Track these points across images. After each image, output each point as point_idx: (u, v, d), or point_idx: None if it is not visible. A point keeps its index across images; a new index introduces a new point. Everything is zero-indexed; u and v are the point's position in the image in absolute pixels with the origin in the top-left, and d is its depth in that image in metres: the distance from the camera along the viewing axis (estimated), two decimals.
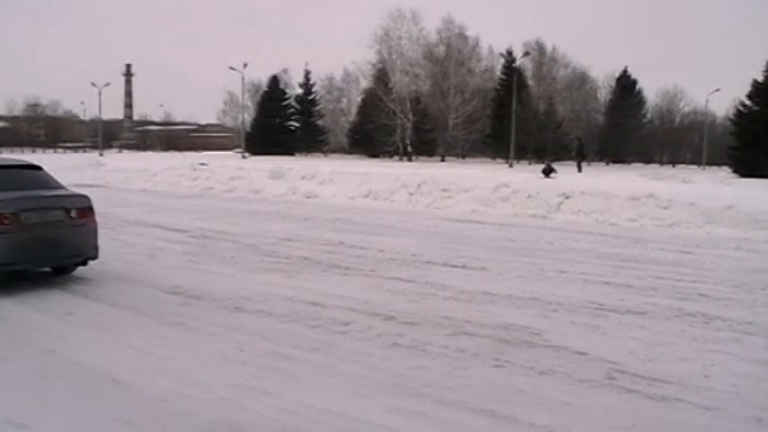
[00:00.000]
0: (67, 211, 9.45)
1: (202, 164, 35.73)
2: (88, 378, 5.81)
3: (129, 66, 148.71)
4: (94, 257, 9.88)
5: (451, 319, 7.57)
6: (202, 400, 5.30)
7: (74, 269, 10.11)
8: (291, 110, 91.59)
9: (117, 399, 5.34)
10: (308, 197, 23.39)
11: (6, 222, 8.66)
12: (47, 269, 9.96)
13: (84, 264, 9.91)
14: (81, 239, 9.63)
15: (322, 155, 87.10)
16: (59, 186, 10.13)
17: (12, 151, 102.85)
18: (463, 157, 79.82)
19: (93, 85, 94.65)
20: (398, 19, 74.56)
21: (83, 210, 9.66)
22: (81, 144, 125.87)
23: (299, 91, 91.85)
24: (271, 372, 5.93)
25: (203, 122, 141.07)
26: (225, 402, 5.25)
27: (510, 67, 71.91)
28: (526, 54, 71.42)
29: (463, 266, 10.76)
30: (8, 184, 9.24)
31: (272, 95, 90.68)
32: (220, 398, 5.33)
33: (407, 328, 7.28)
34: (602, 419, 5.01)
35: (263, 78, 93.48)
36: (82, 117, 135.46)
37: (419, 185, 21.90)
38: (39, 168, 10.35)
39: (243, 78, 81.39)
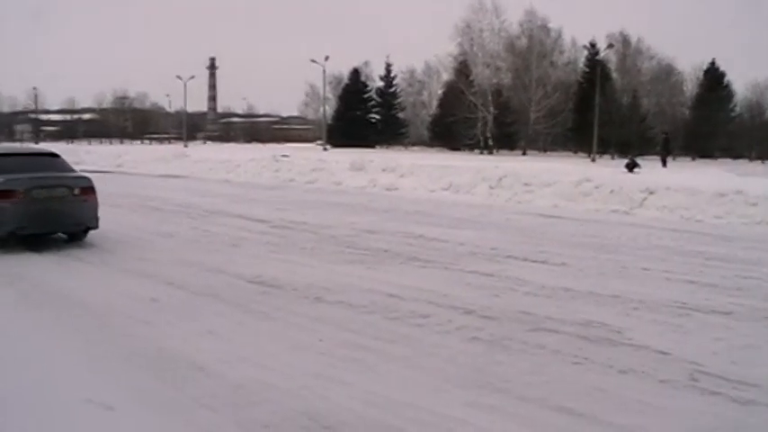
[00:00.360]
0: (71, 189, 11.82)
1: (284, 155, 36.10)
2: (172, 363, 5.94)
3: (213, 59, 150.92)
4: (94, 227, 12.10)
5: (531, 315, 7.49)
6: (282, 388, 5.36)
7: (83, 236, 12.24)
8: (372, 102, 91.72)
9: (199, 384, 5.44)
10: (388, 189, 23.42)
11: (21, 197, 11.09)
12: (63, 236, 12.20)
13: (85, 232, 12.19)
14: (82, 212, 11.88)
15: (403, 148, 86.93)
16: (69, 170, 12.54)
17: (101, 142, 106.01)
18: (545, 150, 78.79)
19: (179, 78, 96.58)
20: (480, 11, 73.96)
21: (85, 189, 12.00)
22: (166, 135, 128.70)
23: (381, 84, 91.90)
24: (349, 362, 5.95)
25: (285, 115, 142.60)
26: (304, 391, 5.29)
27: (593, 60, 70.52)
28: (610, 46, 69.88)
29: (544, 262, 10.63)
30: (27, 167, 11.84)
31: (354, 88, 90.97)
32: (299, 386, 5.38)
33: (486, 322, 7.23)
34: (683, 422, 4.89)
35: (344, 71, 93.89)
36: (167, 109, 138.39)
37: (500, 179, 21.72)
38: (56, 156, 13.10)
39: (324, 71, 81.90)
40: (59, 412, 4.79)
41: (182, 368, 5.81)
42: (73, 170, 12.68)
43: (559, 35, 76.51)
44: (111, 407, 4.93)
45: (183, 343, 6.48)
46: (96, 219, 12.03)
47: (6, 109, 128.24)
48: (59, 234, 12.22)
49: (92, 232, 12.25)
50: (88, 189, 12.02)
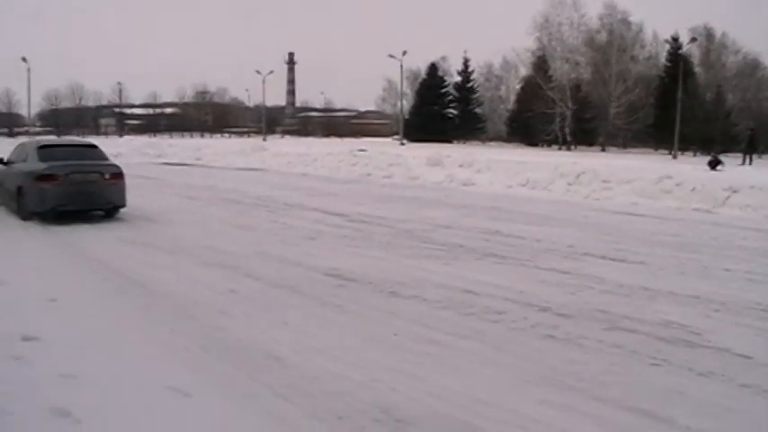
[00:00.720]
0: (103, 174, 14.39)
1: (361, 150, 36.29)
2: (249, 353, 6.06)
3: (291, 54, 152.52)
4: (122, 206, 14.77)
5: (608, 314, 7.38)
6: (356, 380, 5.41)
7: (115, 213, 14.87)
8: (450, 97, 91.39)
9: (275, 374, 5.53)
10: (465, 185, 23.35)
11: (61, 180, 13.74)
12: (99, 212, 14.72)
13: (115, 210, 14.81)
14: (112, 193, 14.49)
15: (480, 143, 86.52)
16: (104, 158, 15.20)
17: (182, 136, 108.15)
18: (624, 146, 77.11)
19: (258, 72, 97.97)
20: (559, 5, 72.84)
21: (114, 174, 14.54)
22: (245, 129, 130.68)
23: (458, 78, 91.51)
24: (423, 357, 5.97)
25: (362, 109, 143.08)
26: (377, 384, 5.33)
27: (675, 54, 68.70)
28: (693, 40, 67.98)
29: (622, 260, 10.46)
30: (69, 156, 14.71)
31: (431, 83, 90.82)
32: (373, 379, 5.43)
33: (562, 320, 7.16)
34: (764, 428, 4.77)
35: (421, 66, 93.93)
36: (247, 103, 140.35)
37: (578, 175, 21.45)
38: (94, 146, 16.16)
39: (401, 66, 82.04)
40: (141, 398, 4.92)
41: (258, 358, 5.92)
42: (107, 159, 15.32)
43: (640, 29, 74.75)
44: (190, 394, 5.04)
45: (260, 333, 6.60)
46: (124, 199, 14.68)
47: (92, 103, 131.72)
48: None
49: (173, 227, 13.26)
50: (117, 174, 14.62)
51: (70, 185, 13.85)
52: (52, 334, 6.15)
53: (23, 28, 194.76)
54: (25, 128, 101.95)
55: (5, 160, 15.79)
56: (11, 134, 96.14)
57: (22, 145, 16.24)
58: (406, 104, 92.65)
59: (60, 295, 7.70)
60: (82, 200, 14.14)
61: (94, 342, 6.21)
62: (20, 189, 14.20)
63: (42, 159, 14.22)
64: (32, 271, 9.13)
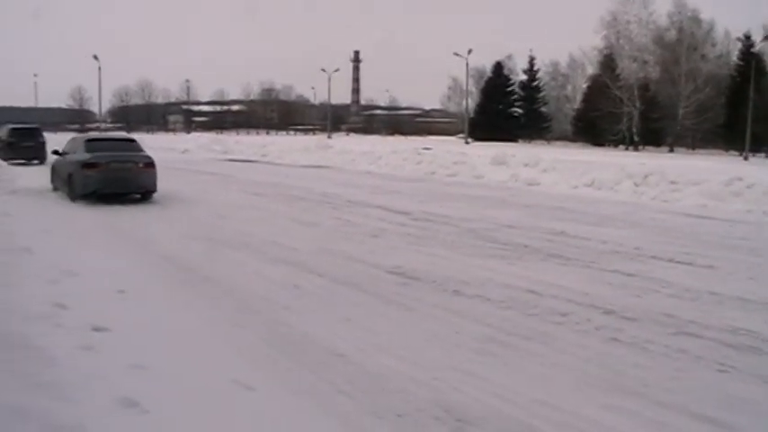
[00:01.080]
0: (137, 163, 17.17)
1: (426, 148, 36.27)
2: (311, 348, 6.11)
3: (357, 52, 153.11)
4: (153, 191, 17.25)
5: (674, 318, 7.23)
6: (417, 378, 5.41)
7: (149, 197, 17.25)
8: (515, 96, 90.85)
9: (338, 371, 5.57)
10: (529, 184, 23.15)
11: (102, 167, 16.48)
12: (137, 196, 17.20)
13: (148, 194, 17.20)
14: (144, 179, 17.11)
15: (545, 142, 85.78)
16: (139, 150, 18.04)
17: (247, 133, 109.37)
18: (693, 147, 75.44)
19: (323, 70, 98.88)
20: (627, 3, 71.64)
21: (147, 163, 17.26)
22: (311, 127, 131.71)
23: (524, 77, 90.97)
24: (486, 357, 5.95)
25: (427, 108, 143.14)
26: (439, 383, 5.33)
27: (748, 52, 67.06)
28: (766, 38, 66.37)
29: (689, 263, 10.24)
30: (110, 148, 17.84)
31: (496, 81, 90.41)
32: (434, 378, 5.42)
33: (627, 323, 7.05)
34: None
35: (487, 64, 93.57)
36: (312, 101, 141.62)
37: (645, 176, 21.08)
38: (133, 141, 19.65)
39: (467, 64, 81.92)
40: (207, 390, 5.00)
41: (321, 354, 5.97)
42: (142, 150, 18.14)
43: (711, 27, 73.15)
44: (253, 387, 5.10)
45: (323, 330, 6.65)
46: (155, 185, 17.24)
47: (161, 100, 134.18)
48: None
49: (239, 223, 13.71)
50: (149, 164, 17.30)
51: (110, 172, 16.60)
52: (121, 325, 6.28)
53: (95, 26, 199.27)
54: (96, 124, 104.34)
55: (61, 151, 18.95)
56: (82, 130, 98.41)
57: (73, 139, 19.35)
58: (472, 103, 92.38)
59: (129, 287, 7.85)
60: (119, 184, 16.86)
61: (162, 334, 6.32)
62: (70, 175, 17.07)
63: (88, 151, 17.10)
64: (103, 264, 9.33)
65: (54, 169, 19.51)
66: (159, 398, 4.60)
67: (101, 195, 16.42)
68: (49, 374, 4.55)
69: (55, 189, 18.97)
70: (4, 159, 27.07)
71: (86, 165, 16.54)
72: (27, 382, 4.30)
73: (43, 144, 30.98)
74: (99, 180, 16.44)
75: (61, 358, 4.94)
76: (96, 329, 6.01)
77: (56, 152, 19.44)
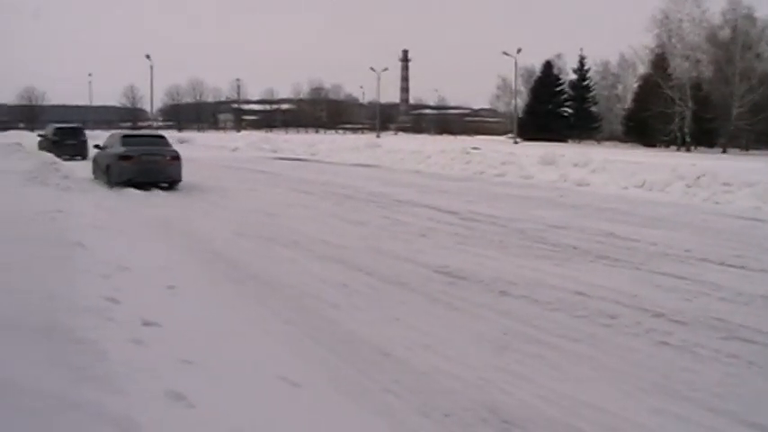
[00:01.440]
0: (165, 156, 19.77)
1: (474, 148, 36.17)
2: (358, 347, 6.13)
3: (406, 51, 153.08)
4: (179, 180, 19.79)
5: (725, 322, 7.10)
6: (463, 378, 5.40)
7: (174, 186, 19.63)
8: (565, 96, 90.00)
9: (384, 369, 5.58)
10: (578, 185, 22.92)
11: (135, 159, 19.15)
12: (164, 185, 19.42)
13: (174, 183, 19.68)
14: (171, 171, 19.70)
15: (595, 142, 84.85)
16: (167, 145, 20.73)
17: (297, 131, 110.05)
18: (747, 148, 73.71)
19: (372, 70, 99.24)
20: (680, 1, 70.40)
21: (173, 157, 19.83)
22: (359, 126, 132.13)
23: (573, 77, 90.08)
24: (533, 358, 5.91)
25: (476, 107, 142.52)
26: (485, 384, 5.31)
27: None
28: None
29: (742, 267, 10.05)
30: (142, 143, 20.67)
31: (545, 81, 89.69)
32: (481, 378, 5.40)
33: (677, 326, 6.94)
34: None
35: (536, 64, 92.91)
36: (361, 100, 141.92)
37: (697, 178, 20.74)
38: (162, 137, 22.25)
39: (516, 63, 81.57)
40: (253, 386, 5.03)
41: (368, 352, 5.98)
42: (170, 145, 20.89)
43: (766, 25, 71.50)
44: (300, 384, 5.13)
45: (370, 328, 6.66)
46: (180, 175, 19.82)
47: (211, 99, 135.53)
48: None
49: (288, 221, 13.93)
50: (175, 157, 19.89)
51: (141, 164, 19.27)
52: (170, 320, 6.36)
53: (148, 26, 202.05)
54: (148, 122, 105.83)
55: (101, 145, 21.96)
56: (134, 128, 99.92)
57: (112, 135, 22.24)
58: (521, 102, 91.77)
59: (178, 283, 7.95)
60: (149, 174, 19.36)
61: (210, 330, 6.39)
62: (108, 166, 19.86)
63: (124, 145, 19.87)
64: (153, 259, 9.46)
65: (95, 161, 22.37)
66: (206, 393, 4.65)
67: (134, 184, 18.78)
68: (100, 367, 4.62)
69: (95, 178, 21.57)
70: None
71: (122, 157, 19.30)
72: (79, 374, 4.37)
73: (84, 142, 33.73)
74: (132, 170, 19.16)
75: (112, 351, 5.01)
76: (146, 324, 6.09)
77: (97, 146, 22.72)
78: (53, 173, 19.75)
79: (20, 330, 4.94)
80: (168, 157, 19.76)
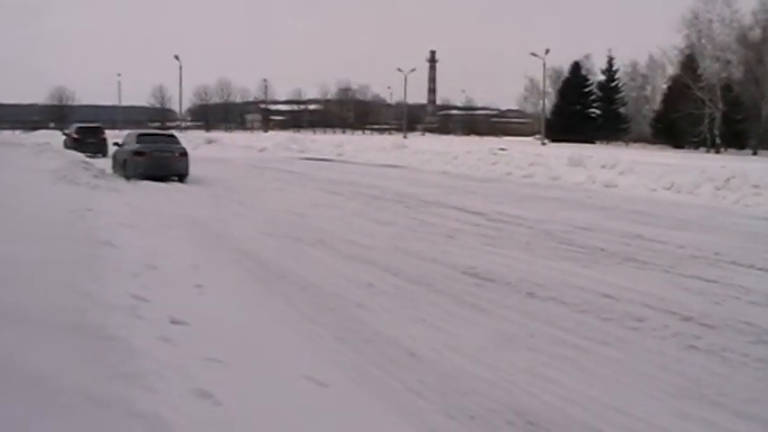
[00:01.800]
0: (174, 153, 22.31)
1: (501, 149, 36.09)
2: (384, 347, 6.14)
3: (433, 52, 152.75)
4: (187, 175, 22.12)
5: (754, 326, 7.01)
6: (489, 380, 5.39)
7: (183, 179, 22.01)
8: (593, 97, 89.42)
9: (410, 370, 5.58)
10: (606, 186, 22.80)
11: (148, 155, 21.63)
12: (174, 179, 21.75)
13: (183, 177, 22.05)
14: (179, 166, 22.18)
15: (623, 144, 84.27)
16: (177, 143, 23.44)
17: (324, 132, 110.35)
18: None
19: (400, 70, 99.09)
20: (709, 1, 69.63)
21: (182, 153, 22.39)
22: (386, 126, 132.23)
23: (601, 77, 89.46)
24: (559, 360, 5.88)
25: (503, 108, 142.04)
26: (511, 386, 5.30)
27: None
28: None
29: None
30: (154, 140, 23.37)
31: (574, 82, 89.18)
32: (507, 380, 5.39)
33: (705, 330, 6.87)
34: None
35: (564, 65, 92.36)
36: (388, 101, 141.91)
37: (727, 180, 20.54)
38: (172, 135, 25.86)
39: (544, 64, 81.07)
40: (280, 385, 5.07)
41: (393, 353, 5.99)
42: (179, 143, 23.62)
43: None
44: (326, 384, 5.15)
45: (396, 328, 6.67)
46: (188, 169, 22.28)
47: (239, 99, 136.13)
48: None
49: (315, 221, 14.00)
50: (183, 154, 22.48)
51: (153, 159, 21.75)
52: (198, 319, 6.40)
53: (176, 26, 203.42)
54: (176, 122, 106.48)
55: (119, 143, 24.63)
56: (162, 128, 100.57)
57: (129, 134, 25.20)
58: (548, 103, 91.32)
59: (206, 282, 8.00)
60: (160, 169, 21.73)
61: (237, 329, 6.43)
62: (125, 161, 22.45)
63: (138, 143, 22.59)
64: (181, 258, 9.53)
65: (114, 157, 25.05)
66: (232, 391, 4.68)
67: (147, 177, 21.18)
68: (130, 365, 4.67)
69: (114, 173, 23.60)
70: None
71: (136, 153, 21.96)
72: (109, 371, 4.42)
73: (104, 140, 35.87)
74: (145, 165, 21.66)
75: (141, 349, 5.06)
76: (174, 322, 6.14)
77: (116, 144, 25.41)
78: (82, 171, 19.92)
79: (52, 328, 5.00)
80: (177, 154, 22.47)
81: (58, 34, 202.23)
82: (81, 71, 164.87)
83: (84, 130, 37.46)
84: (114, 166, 24.24)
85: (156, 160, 21.76)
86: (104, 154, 33.13)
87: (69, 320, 5.29)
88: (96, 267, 7.82)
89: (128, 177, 21.44)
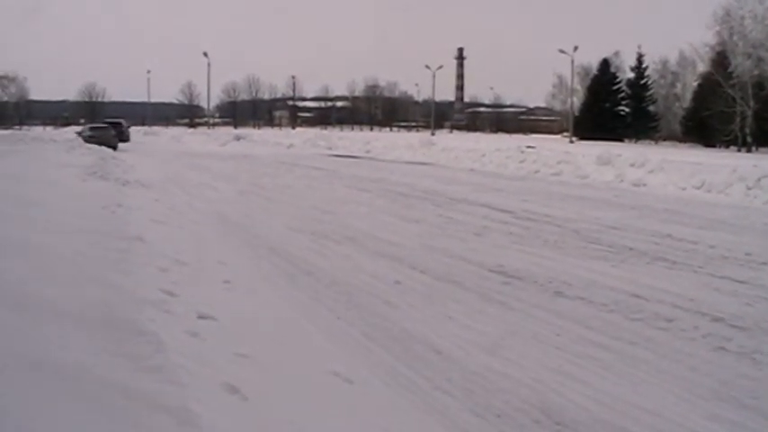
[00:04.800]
0: (105, 134, 40.98)
1: (530, 147, 35.95)
2: (411, 344, 6.15)
3: (461, 49, 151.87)
4: (115, 148, 36.81)
5: None
6: (516, 379, 5.38)
7: (115, 149, 35.48)
8: (622, 94, 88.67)
9: (436, 367, 5.59)
10: (635, 185, 22.61)
11: (91, 134, 41.17)
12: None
13: (113, 149, 34.81)
14: (110, 142, 37.80)
15: (652, 142, 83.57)
16: (110, 131, 42.54)
17: (351, 129, 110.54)
18: None
19: (428, 67, 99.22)
20: None
21: (112, 135, 41.24)
22: (414, 124, 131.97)
23: (631, 75, 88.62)
24: (587, 360, 5.86)
25: (531, 105, 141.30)
26: (538, 384, 5.28)
27: None
28: None
29: None
30: (96, 129, 43.59)
31: (602, 79, 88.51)
32: (534, 379, 5.38)
33: (736, 332, 6.79)
34: None
35: (593, 62, 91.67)
36: (416, 98, 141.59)
37: (759, 179, 20.27)
38: (107, 127, 44.26)
39: (572, 61, 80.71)
40: (306, 381, 5.08)
41: (421, 350, 6.00)
42: (111, 131, 42.37)
43: None
44: (352, 380, 5.17)
45: (423, 326, 6.67)
46: (116, 145, 38.65)
47: (267, 96, 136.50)
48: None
49: (343, 218, 14.08)
50: (115, 136, 41.43)
51: (95, 137, 37.79)
52: (226, 314, 6.44)
53: (205, 24, 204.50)
54: (205, 119, 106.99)
55: (80, 131, 43.20)
56: (191, 125, 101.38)
57: (85, 126, 45.76)
58: (577, 101, 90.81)
59: (234, 278, 8.04)
60: (98, 142, 34.27)
61: (264, 324, 6.47)
62: (83, 137, 38.87)
63: (90, 130, 42.27)
64: (210, 254, 9.58)
65: (80, 134, 41.99)
66: (259, 386, 4.70)
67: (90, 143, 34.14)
68: (157, 358, 4.70)
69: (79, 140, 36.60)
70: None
71: (86, 133, 40.68)
72: (138, 365, 4.45)
73: (123, 132, 49.36)
74: (87, 138, 37.87)
75: (169, 343, 5.09)
76: (202, 317, 6.16)
77: (77, 132, 43.79)
78: (113, 168, 20.13)
79: (83, 321, 5.05)
80: (108, 135, 40.69)
81: (89, 31, 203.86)
82: (112, 68, 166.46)
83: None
84: (80, 137, 39.56)
85: (96, 137, 38.21)
86: (114, 147, 44.44)
87: (101, 314, 5.34)
88: (126, 262, 7.87)
89: (86, 142, 35.13)
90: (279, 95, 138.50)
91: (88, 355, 4.41)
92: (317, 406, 4.67)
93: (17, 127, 79.25)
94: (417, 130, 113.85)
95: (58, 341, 4.54)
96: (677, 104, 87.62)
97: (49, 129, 79.10)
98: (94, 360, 4.35)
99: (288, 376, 5.10)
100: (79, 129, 53.03)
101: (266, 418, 4.32)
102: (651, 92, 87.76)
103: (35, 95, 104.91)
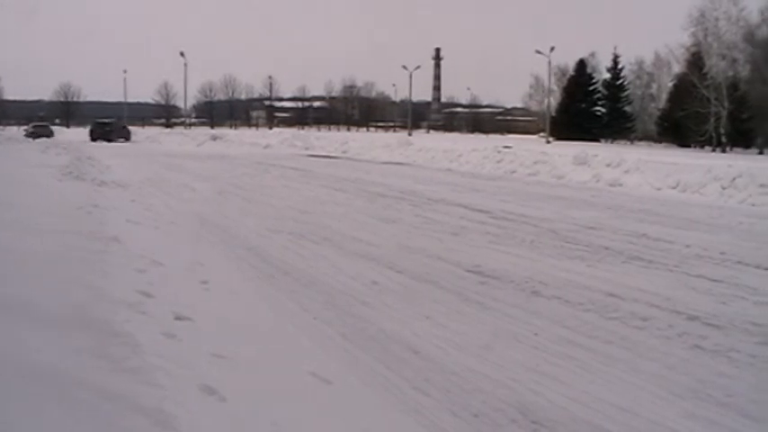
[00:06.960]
0: (43, 131, 61.08)
1: (506, 147, 36.07)
2: (389, 344, 6.15)
3: (438, 50, 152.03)
4: (51, 136, 57.40)
5: (761, 327, 6.96)
6: (494, 379, 5.39)
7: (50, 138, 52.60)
8: (598, 95, 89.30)
9: (414, 367, 5.60)
10: (611, 185, 22.73)
11: (33, 131, 61.85)
12: None
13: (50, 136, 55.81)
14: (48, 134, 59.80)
15: (628, 142, 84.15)
16: (47, 128, 64.53)
17: (329, 129, 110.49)
18: None
19: (405, 68, 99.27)
20: None
21: (48, 134, 59.66)
22: (391, 124, 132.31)
23: (607, 75, 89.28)
24: (564, 359, 5.88)
25: (508, 106, 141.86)
26: (515, 384, 5.30)
27: None
28: None
29: None
30: (36, 127, 63.02)
31: (579, 80, 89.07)
32: (511, 379, 5.40)
33: (711, 330, 6.85)
34: None
35: (569, 62, 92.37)
36: (393, 98, 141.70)
37: (733, 179, 20.44)
38: (47, 126, 67.86)
39: (549, 62, 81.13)
40: (284, 382, 5.08)
41: (398, 350, 6.00)
42: (48, 128, 64.83)
43: None
44: (330, 381, 5.17)
45: (400, 326, 6.68)
46: (53, 134, 60.78)
47: (244, 96, 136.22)
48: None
49: (319, 218, 13.96)
50: (50, 134, 58.42)
51: (35, 133, 56.95)
52: (203, 315, 6.42)
53: (181, 24, 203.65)
54: (182, 119, 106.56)
55: (28, 129, 63.38)
56: (168, 125, 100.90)
57: (29, 125, 66.13)
58: (553, 102, 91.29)
59: (211, 278, 8.02)
60: (37, 137, 51.15)
61: (242, 325, 6.46)
62: (27, 133, 59.95)
63: (32, 128, 62.05)
64: (187, 255, 9.55)
65: (26, 131, 59.64)
66: (237, 387, 4.69)
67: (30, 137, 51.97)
68: (134, 360, 4.68)
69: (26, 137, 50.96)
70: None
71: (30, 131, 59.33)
72: (114, 366, 4.43)
73: (111, 131, 57.51)
74: (29, 134, 55.46)
75: (146, 345, 5.07)
76: (179, 318, 6.14)
77: (26, 131, 60.19)
78: (89, 168, 19.99)
79: (58, 322, 5.02)
80: (45, 132, 55.69)
81: (64, 30, 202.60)
82: (87, 68, 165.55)
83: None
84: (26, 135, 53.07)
85: (36, 134, 51.26)
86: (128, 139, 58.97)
87: (76, 315, 5.32)
88: (102, 263, 7.82)
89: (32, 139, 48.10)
90: (256, 95, 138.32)
91: (64, 356, 4.38)
92: (295, 407, 4.67)
93: None
94: (395, 131, 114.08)
95: (33, 342, 4.51)
96: (653, 105, 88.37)
97: (23, 129, 78.94)
98: (70, 361, 4.33)
99: (266, 377, 5.10)
100: (25, 128, 67.35)
101: (244, 420, 4.32)
102: (627, 92, 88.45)
103: (9, 95, 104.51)
